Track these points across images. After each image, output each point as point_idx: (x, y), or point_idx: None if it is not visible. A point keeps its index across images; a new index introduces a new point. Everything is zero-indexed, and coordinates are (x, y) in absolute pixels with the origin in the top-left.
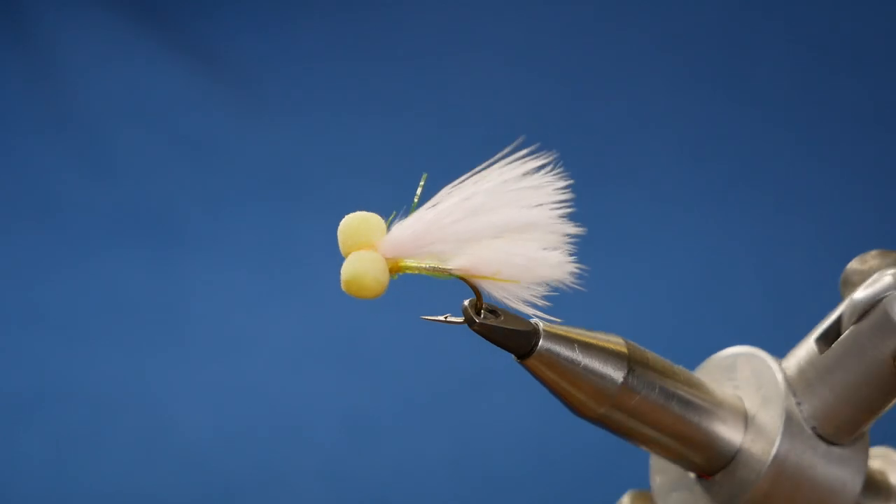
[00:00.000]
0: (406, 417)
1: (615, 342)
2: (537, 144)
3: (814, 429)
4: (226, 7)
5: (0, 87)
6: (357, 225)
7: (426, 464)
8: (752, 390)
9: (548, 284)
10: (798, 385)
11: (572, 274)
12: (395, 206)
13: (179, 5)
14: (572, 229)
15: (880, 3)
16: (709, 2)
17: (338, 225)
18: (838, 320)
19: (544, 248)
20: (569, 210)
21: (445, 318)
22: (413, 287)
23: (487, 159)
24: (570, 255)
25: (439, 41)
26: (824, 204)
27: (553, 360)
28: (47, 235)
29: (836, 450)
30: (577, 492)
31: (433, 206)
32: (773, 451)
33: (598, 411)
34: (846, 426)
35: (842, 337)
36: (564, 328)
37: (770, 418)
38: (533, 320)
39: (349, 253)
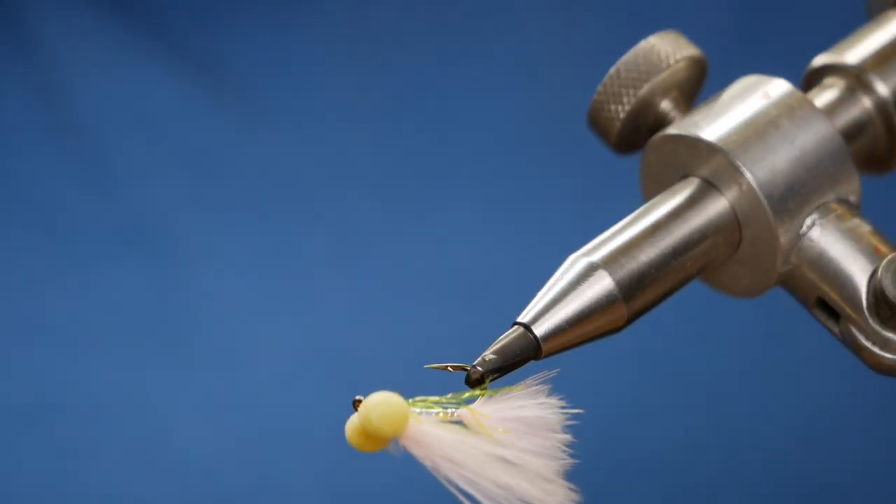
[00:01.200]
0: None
1: (590, 273)
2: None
3: None
4: (223, 18)
5: None
6: (383, 418)
7: (428, 476)
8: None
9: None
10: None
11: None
12: (395, 221)
13: (177, 16)
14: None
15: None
16: (703, 14)
17: (337, 234)
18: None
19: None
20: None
21: (448, 367)
22: (414, 300)
23: (485, 176)
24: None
25: (440, 54)
26: None
27: (561, 338)
28: (45, 246)
29: None
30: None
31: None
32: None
33: (625, 325)
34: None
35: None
36: (544, 304)
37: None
38: (518, 325)
39: (366, 431)
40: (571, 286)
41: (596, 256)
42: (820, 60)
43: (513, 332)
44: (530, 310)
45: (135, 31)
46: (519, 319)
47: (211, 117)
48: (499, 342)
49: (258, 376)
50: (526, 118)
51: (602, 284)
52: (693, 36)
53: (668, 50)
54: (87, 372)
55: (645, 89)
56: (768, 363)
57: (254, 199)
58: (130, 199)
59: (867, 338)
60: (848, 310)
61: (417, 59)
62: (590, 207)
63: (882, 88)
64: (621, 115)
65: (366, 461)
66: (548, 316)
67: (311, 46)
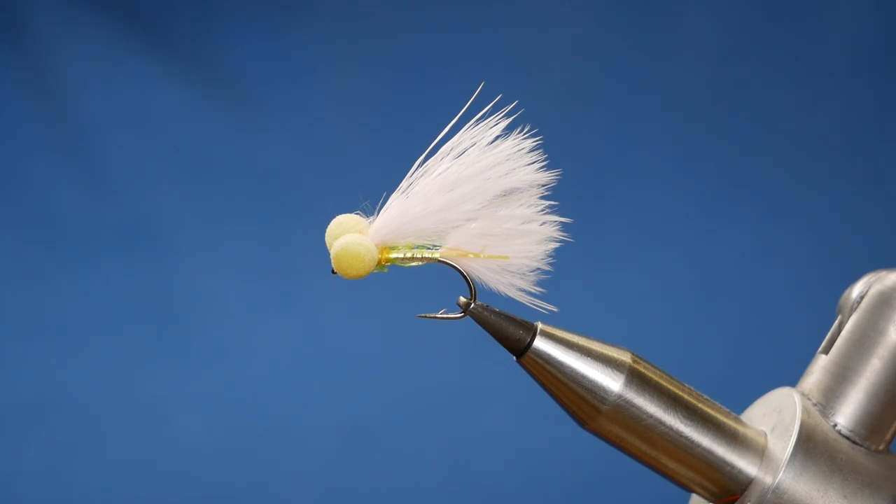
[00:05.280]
0: (400, 426)
1: (618, 354)
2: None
3: (854, 437)
4: (222, 21)
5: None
6: (343, 221)
7: (421, 472)
8: (774, 423)
9: (537, 268)
10: (824, 398)
11: (554, 241)
12: None
13: (176, 19)
14: (547, 178)
15: (874, 18)
16: (706, 14)
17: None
18: (839, 326)
19: (524, 220)
20: (543, 168)
21: (442, 313)
22: (408, 298)
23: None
24: (551, 222)
25: (435, 56)
26: (818, 218)
27: (548, 361)
28: (46, 246)
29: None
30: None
31: (410, 186)
32: (776, 480)
33: (594, 420)
34: (882, 426)
35: (843, 330)
36: (567, 332)
37: (780, 448)
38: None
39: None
40: (595, 350)
41: (634, 364)
42: None
43: (528, 326)
44: (554, 329)
45: (133, 34)
46: (542, 326)
47: (210, 119)
48: (513, 316)
49: (256, 374)
50: (527, 116)
51: (612, 378)
52: (695, 35)
53: None
54: (87, 369)
55: None
56: (762, 359)
57: (252, 199)
58: (129, 199)
59: None
60: None
61: (415, 61)
62: (589, 206)
63: None
64: None
65: (362, 459)
66: (559, 343)
67: (308, 49)
